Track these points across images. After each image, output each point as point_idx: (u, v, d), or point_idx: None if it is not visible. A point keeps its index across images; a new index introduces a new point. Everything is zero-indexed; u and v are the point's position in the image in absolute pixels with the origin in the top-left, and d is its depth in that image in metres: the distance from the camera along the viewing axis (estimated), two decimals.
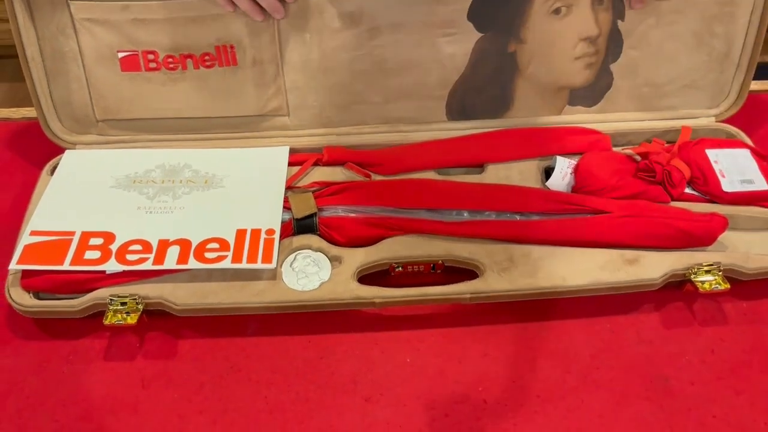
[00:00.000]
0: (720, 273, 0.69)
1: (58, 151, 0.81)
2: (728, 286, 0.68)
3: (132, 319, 0.65)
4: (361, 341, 0.68)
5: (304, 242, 0.72)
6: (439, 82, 0.81)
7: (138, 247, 0.69)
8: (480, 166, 0.80)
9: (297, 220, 0.72)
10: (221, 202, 0.74)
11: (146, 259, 0.68)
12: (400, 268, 0.71)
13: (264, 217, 0.72)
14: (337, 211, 0.73)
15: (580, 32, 0.79)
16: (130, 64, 0.77)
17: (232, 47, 0.77)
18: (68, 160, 0.79)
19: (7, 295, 0.67)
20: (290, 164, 0.79)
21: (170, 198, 0.74)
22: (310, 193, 0.74)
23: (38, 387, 0.65)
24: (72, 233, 0.69)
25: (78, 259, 0.67)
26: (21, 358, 0.67)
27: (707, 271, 0.69)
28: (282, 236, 0.71)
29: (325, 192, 0.74)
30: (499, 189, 0.75)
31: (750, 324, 0.70)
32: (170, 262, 0.67)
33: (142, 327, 0.68)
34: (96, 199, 0.74)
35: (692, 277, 0.68)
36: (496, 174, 0.79)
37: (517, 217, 0.72)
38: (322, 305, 0.68)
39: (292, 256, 0.70)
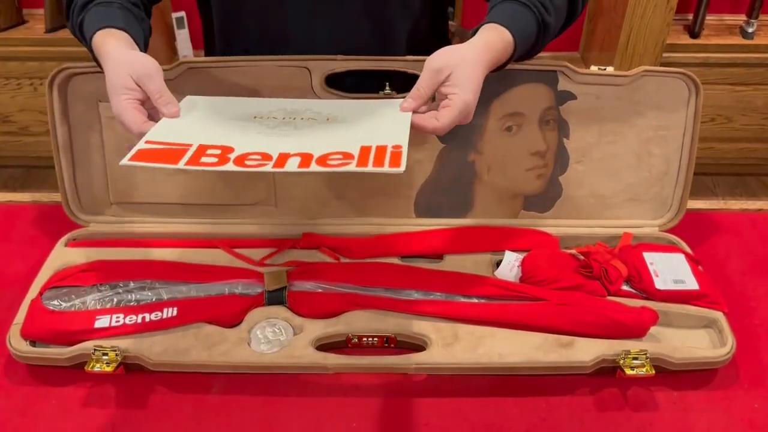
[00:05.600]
0: (647, 360, 0.74)
1: (75, 227, 0.94)
2: (653, 372, 0.73)
3: (110, 368, 0.74)
4: (313, 405, 0.75)
5: (272, 312, 0.80)
6: (408, 183, 0.93)
7: (257, 157, 0.65)
8: (439, 257, 0.89)
9: (268, 291, 0.81)
10: (343, 130, 0.71)
11: (265, 164, 0.63)
12: (356, 340, 0.78)
13: (388, 136, 0.67)
14: (305, 287, 0.82)
15: (529, 147, 0.91)
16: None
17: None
18: (185, 103, 0.75)
19: (7, 342, 0.77)
20: (269, 246, 0.89)
21: (291, 129, 0.71)
22: (284, 270, 0.84)
23: (21, 426, 0.73)
24: (189, 145, 0.66)
25: (194, 161, 0.63)
26: (11, 400, 0.75)
27: (635, 358, 0.74)
28: (253, 306, 0.80)
29: (297, 270, 0.84)
30: (451, 274, 0.84)
31: (678, 412, 0.74)
32: (291, 166, 0.63)
33: (120, 380, 0.76)
34: (215, 124, 0.72)
35: (621, 362, 0.74)
36: (453, 264, 0.87)
37: (463, 299, 0.80)
38: (280, 367, 0.75)
39: (259, 323, 0.79)
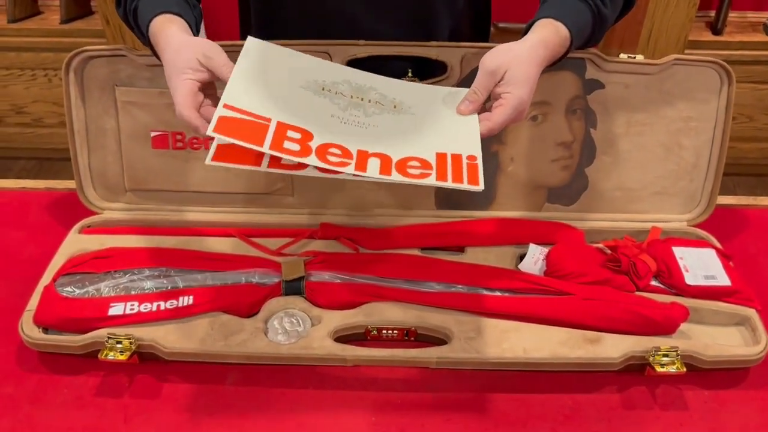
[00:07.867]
0: (678, 357, 0.72)
1: (90, 214, 0.92)
2: (684, 369, 0.71)
3: (124, 356, 0.72)
4: (330, 398, 0.72)
5: (290, 302, 0.78)
6: None
7: (337, 151, 0.64)
8: (461, 249, 0.87)
9: (286, 281, 0.79)
10: (414, 127, 0.70)
11: (347, 164, 0.63)
12: (375, 332, 0.76)
13: (462, 144, 0.67)
14: (323, 277, 0.80)
15: (555, 138, 0.88)
16: (160, 142, 0.89)
17: None
18: (251, 46, 0.74)
19: (19, 329, 0.75)
20: (286, 236, 0.87)
21: (362, 113, 0.70)
22: (302, 260, 0.82)
23: (31, 414, 0.71)
24: (268, 119, 0.64)
25: (277, 145, 0.62)
26: (21, 387, 0.74)
27: (665, 355, 0.72)
28: (270, 296, 0.78)
29: (315, 260, 0.82)
30: (473, 267, 0.81)
31: (709, 412, 0.71)
32: (373, 170, 0.62)
33: (134, 369, 0.74)
34: (288, 94, 0.70)
35: (650, 359, 0.72)
36: (475, 256, 0.85)
37: (486, 292, 0.77)
38: (297, 358, 0.73)
39: (276, 314, 0.77)
